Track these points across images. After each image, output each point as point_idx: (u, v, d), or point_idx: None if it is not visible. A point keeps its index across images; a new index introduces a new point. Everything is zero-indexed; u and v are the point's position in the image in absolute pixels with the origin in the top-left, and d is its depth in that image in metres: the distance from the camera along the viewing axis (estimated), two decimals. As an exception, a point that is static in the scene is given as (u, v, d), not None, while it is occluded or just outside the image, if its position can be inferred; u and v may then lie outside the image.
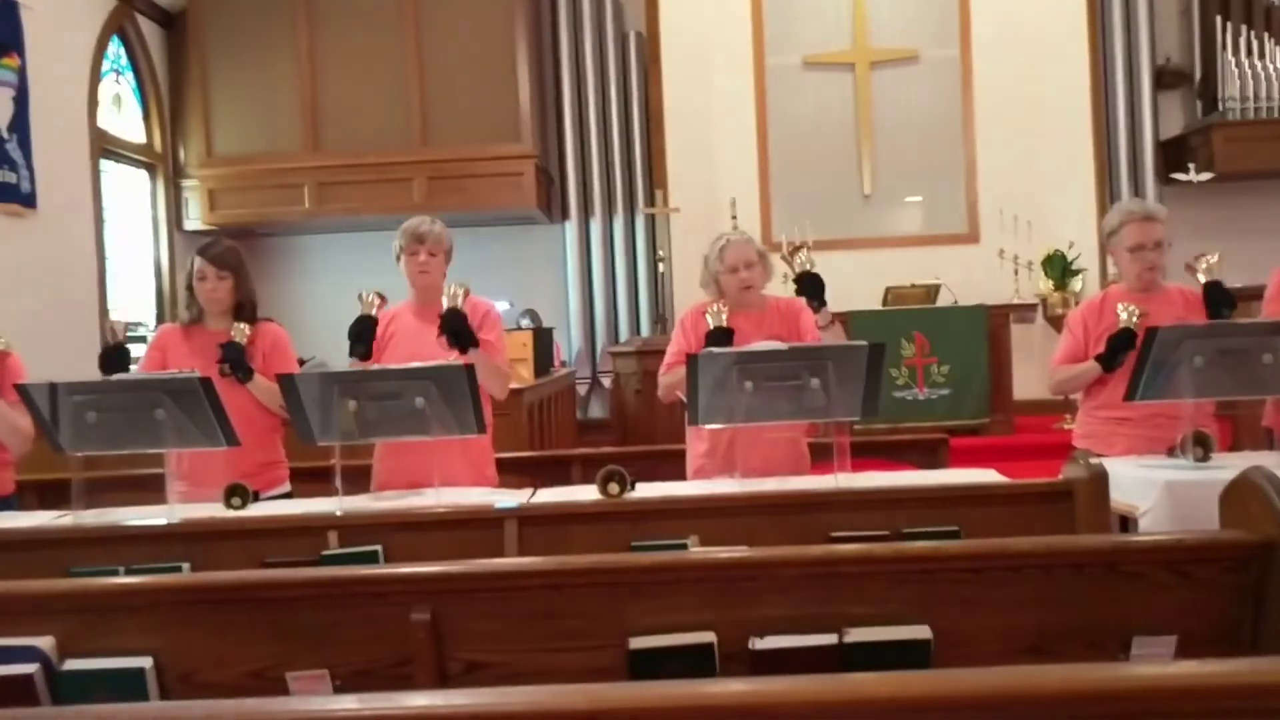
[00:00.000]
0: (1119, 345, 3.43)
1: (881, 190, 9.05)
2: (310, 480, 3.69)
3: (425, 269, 3.62)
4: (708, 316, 3.48)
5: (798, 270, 3.50)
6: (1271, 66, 8.86)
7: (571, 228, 9.06)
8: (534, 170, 8.36)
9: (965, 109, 8.97)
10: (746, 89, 9.06)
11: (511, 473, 3.93)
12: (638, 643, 2.03)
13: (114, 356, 3.48)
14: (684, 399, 3.32)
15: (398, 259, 3.67)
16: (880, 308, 7.97)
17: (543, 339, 7.35)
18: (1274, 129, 8.77)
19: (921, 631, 2.03)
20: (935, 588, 2.07)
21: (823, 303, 3.46)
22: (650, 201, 8.83)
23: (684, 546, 2.73)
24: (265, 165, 8.43)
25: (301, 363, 5.31)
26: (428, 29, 8.38)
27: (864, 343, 3.10)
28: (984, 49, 8.91)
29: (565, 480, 4.00)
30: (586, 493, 3.08)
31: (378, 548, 2.82)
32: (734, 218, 8.06)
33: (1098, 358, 3.52)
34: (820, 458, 3.51)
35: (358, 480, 3.39)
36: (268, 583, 2.14)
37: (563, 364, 8.57)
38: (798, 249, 3.60)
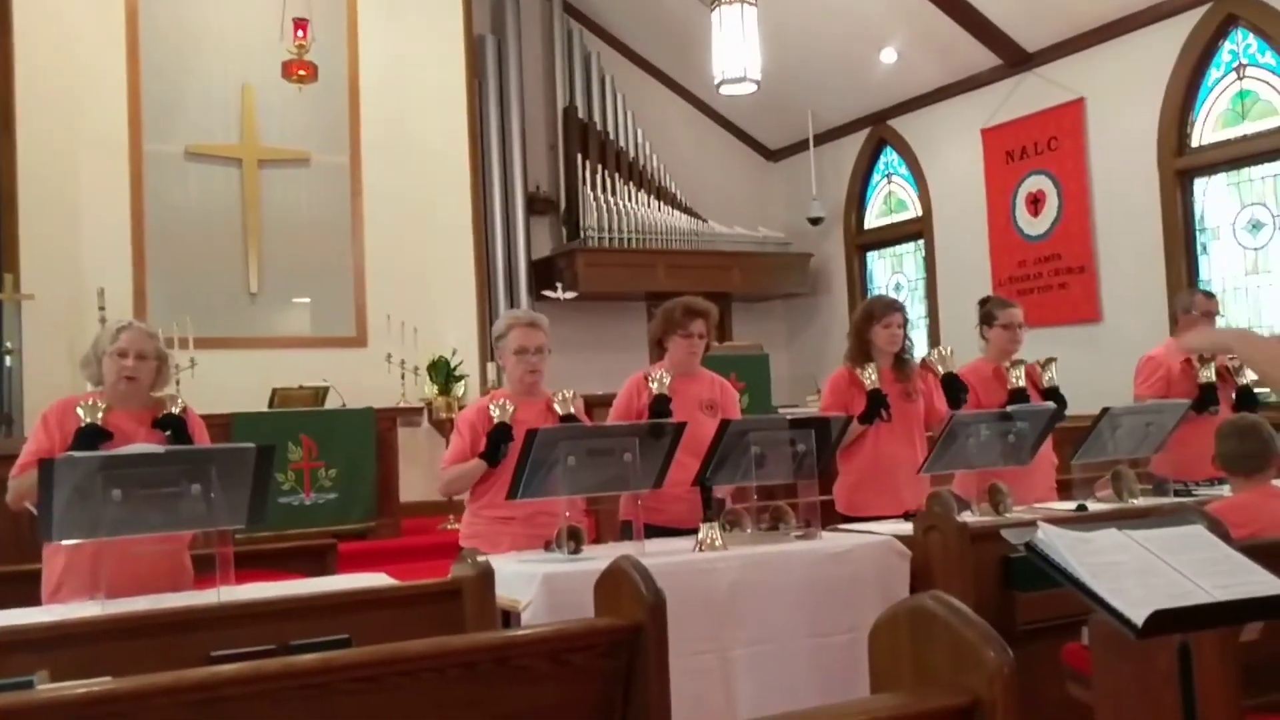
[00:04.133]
0: (497, 437, 3.71)
1: (269, 289, 8.79)
2: None
3: None
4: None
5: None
6: (622, 203, 10.17)
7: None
8: None
9: (355, 215, 9.06)
10: (121, 172, 8.33)
11: None
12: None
13: None
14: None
15: None
16: (267, 409, 7.68)
17: None
18: (625, 257, 10.08)
19: (314, 752, 1.89)
20: (329, 702, 1.95)
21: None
22: (-2, 287, 7.69)
23: (30, 685, 2.32)
24: None
25: None
26: None
27: (251, 445, 2.93)
28: (373, 160, 9.10)
29: None
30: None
31: None
32: (102, 309, 7.34)
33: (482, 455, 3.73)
34: (203, 570, 3.23)
35: None
36: None
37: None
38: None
